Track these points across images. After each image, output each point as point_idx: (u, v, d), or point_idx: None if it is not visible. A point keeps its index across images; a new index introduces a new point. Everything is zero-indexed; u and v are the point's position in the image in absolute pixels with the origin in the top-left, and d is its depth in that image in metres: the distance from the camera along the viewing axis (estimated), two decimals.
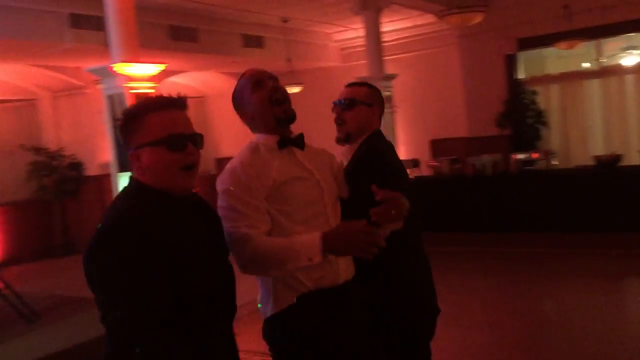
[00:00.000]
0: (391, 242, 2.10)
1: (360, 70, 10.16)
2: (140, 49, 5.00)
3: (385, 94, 8.15)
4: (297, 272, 2.01)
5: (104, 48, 7.44)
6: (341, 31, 11.83)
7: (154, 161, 1.69)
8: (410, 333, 2.45)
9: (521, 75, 10.56)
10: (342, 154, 2.54)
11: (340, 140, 2.53)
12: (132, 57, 4.82)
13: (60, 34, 7.59)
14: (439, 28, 10.90)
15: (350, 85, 2.60)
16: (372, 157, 2.41)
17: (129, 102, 4.76)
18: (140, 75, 4.85)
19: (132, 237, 1.58)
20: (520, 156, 8.47)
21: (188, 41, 9.29)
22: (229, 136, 11.67)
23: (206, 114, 12.82)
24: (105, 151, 7.58)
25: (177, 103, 1.73)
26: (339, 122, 2.51)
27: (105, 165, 8.01)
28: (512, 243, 7.86)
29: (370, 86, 2.60)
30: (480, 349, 4.47)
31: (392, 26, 10.57)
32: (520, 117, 10.06)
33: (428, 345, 2.57)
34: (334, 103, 2.54)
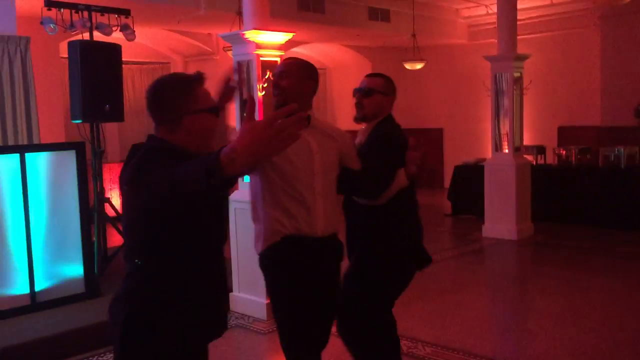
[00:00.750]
0: (395, 202, 2.86)
1: (488, 49, 9.72)
2: (270, 18, 5.07)
3: (515, 75, 7.77)
4: (283, 219, 2.59)
5: (234, 16, 7.68)
6: (471, 7, 11.38)
7: (204, 125, 1.96)
8: (391, 279, 3.03)
9: None
10: (360, 132, 3.12)
11: (357, 120, 3.09)
12: (263, 25, 4.89)
13: (196, 0, 7.89)
14: (578, 7, 10.19)
15: (369, 75, 3.15)
16: (384, 137, 2.95)
17: (257, 68, 4.86)
18: (269, 43, 4.91)
19: (165, 155, 1.87)
20: None
21: (315, 12, 9.35)
22: (348, 109, 11.69)
23: (326, 86, 12.90)
24: (231, 114, 7.83)
25: (205, 79, 2.04)
26: (359, 106, 3.04)
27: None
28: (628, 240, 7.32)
29: (387, 78, 3.12)
30: (596, 352, 4.20)
31: (527, 4, 10.00)
32: None
33: (396, 297, 3.14)
34: (355, 90, 3.07)
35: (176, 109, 1.94)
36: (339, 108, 12.12)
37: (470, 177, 8.89)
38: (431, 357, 4.14)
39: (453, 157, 11.59)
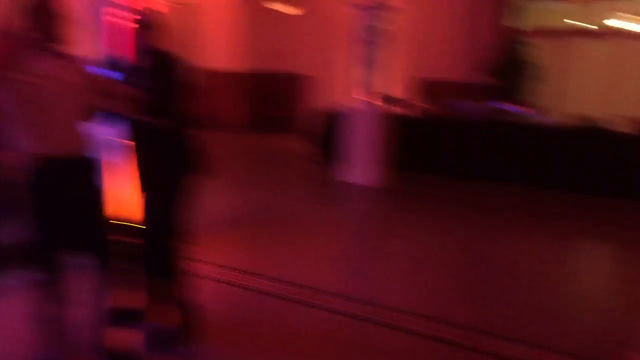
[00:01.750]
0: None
1: None
2: None
3: (382, 24, 7.86)
4: (28, 142, 3.06)
5: None
6: None
7: None
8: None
9: (519, 24, 10.28)
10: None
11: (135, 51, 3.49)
12: None
13: None
14: None
15: (145, 10, 3.49)
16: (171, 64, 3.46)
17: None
18: None
19: None
20: (503, 107, 8.37)
21: None
22: (222, 47, 11.28)
23: (197, 23, 12.35)
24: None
25: None
26: (139, 38, 3.42)
27: None
28: (486, 192, 7.88)
29: (157, 14, 3.52)
30: (439, 291, 4.56)
31: None
32: (511, 67, 9.86)
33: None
34: (135, 22, 3.44)
35: None
36: (210, 46, 11.68)
37: (332, 123, 8.98)
38: (279, 293, 4.24)
39: (315, 103, 11.68)
